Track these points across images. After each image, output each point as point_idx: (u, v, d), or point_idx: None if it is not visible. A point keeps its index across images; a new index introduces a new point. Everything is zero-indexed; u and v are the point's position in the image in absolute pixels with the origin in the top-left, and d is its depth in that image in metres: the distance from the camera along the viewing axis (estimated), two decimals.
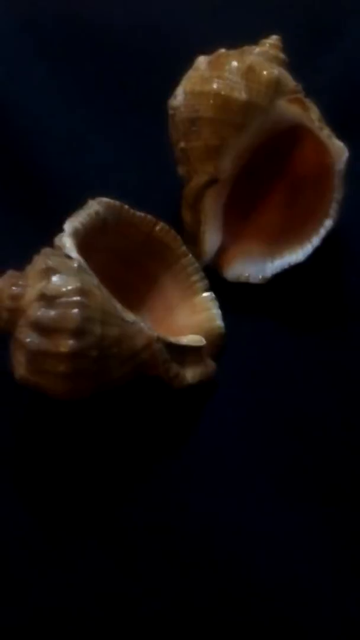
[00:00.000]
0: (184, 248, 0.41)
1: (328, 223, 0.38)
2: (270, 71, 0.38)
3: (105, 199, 0.38)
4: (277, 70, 0.38)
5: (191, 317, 0.41)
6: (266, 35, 0.41)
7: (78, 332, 0.33)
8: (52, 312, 0.33)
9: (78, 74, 0.49)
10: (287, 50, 0.41)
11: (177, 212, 0.43)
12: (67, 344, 0.33)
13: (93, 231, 0.38)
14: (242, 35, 0.41)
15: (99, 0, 0.52)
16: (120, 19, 0.51)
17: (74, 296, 0.33)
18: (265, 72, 0.38)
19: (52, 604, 0.36)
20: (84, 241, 0.37)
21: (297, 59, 0.41)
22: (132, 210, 0.39)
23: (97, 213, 0.38)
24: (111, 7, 0.52)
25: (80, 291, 0.34)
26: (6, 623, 0.36)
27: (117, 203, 0.39)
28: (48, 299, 0.33)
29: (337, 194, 0.38)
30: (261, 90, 0.38)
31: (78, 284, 0.34)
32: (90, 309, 0.34)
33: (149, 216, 0.40)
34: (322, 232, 0.39)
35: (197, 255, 0.42)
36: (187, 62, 0.42)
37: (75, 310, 0.33)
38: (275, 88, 0.38)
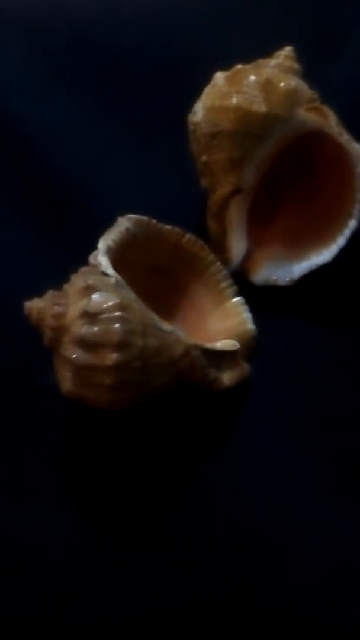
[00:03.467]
0: (211, 256, 0.42)
1: (352, 223, 0.40)
2: (287, 82, 0.39)
3: (133, 215, 0.40)
4: (294, 81, 0.40)
5: (223, 323, 0.42)
6: (279, 46, 0.42)
7: (121, 345, 0.34)
8: (96, 328, 0.35)
9: (97, 96, 0.51)
10: (298, 58, 0.42)
11: (202, 223, 0.44)
12: (111, 357, 0.34)
13: (124, 247, 0.39)
14: (255, 49, 0.42)
15: (112, 22, 0.53)
16: (134, 39, 0.53)
17: (115, 312, 0.35)
18: (282, 84, 0.39)
19: (96, 608, 0.36)
20: (116, 257, 0.38)
21: (307, 66, 0.42)
22: (159, 224, 0.41)
23: (127, 229, 0.39)
24: (125, 29, 0.53)
25: (120, 306, 0.35)
26: (49, 622, 0.36)
27: (145, 218, 0.40)
28: (91, 316, 0.35)
29: (359, 195, 0.39)
30: (280, 101, 0.39)
31: (118, 300, 0.35)
32: (130, 322, 0.35)
33: (176, 228, 0.41)
34: (347, 232, 0.40)
35: (225, 262, 0.43)
36: (201, 79, 0.43)
37: (117, 325, 0.35)
38: (294, 98, 0.39)
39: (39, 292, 0.37)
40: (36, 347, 0.37)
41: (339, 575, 0.36)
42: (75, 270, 0.38)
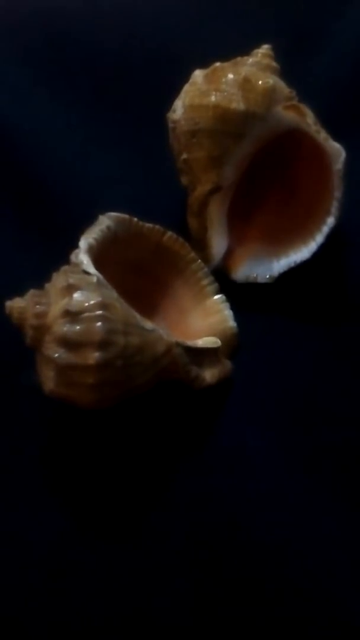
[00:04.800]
0: (192, 254, 0.42)
1: (330, 221, 0.40)
2: (265, 81, 0.39)
3: (114, 214, 0.40)
4: (271, 80, 0.40)
5: (204, 320, 0.43)
6: (257, 44, 0.42)
7: (103, 344, 0.35)
8: (77, 327, 0.35)
9: (77, 95, 0.51)
10: (276, 56, 0.42)
11: (182, 221, 0.44)
12: (93, 356, 0.34)
13: (105, 245, 0.39)
14: (234, 46, 0.42)
15: (91, 21, 0.53)
16: (113, 38, 0.52)
17: (97, 310, 0.35)
18: (260, 82, 0.39)
19: (81, 608, 0.36)
20: (97, 255, 0.38)
21: (286, 64, 0.43)
22: (140, 222, 0.41)
23: (108, 228, 0.39)
24: (104, 27, 0.53)
25: (102, 305, 0.35)
26: (39, 625, 0.36)
27: (126, 216, 0.40)
28: (72, 315, 0.35)
29: (337, 193, 0.39)
30: (258, 100, 0.39)
31: (99, 299, 0.35)
32: (112, 321, 0.35)
33: (157, 226, 0.41)
34: (325, 229, 0.40)
35: (205, 260, 0.43)
36: (180, 76, 0.43)
37: (99, 324, 0.35)
38: (271, 97, 0.39)
39: (20, 292, 0.37)
40: (18, 347, 0.37)
41: (325, 570, 0.36)
42: (56, 269, 0.38)
